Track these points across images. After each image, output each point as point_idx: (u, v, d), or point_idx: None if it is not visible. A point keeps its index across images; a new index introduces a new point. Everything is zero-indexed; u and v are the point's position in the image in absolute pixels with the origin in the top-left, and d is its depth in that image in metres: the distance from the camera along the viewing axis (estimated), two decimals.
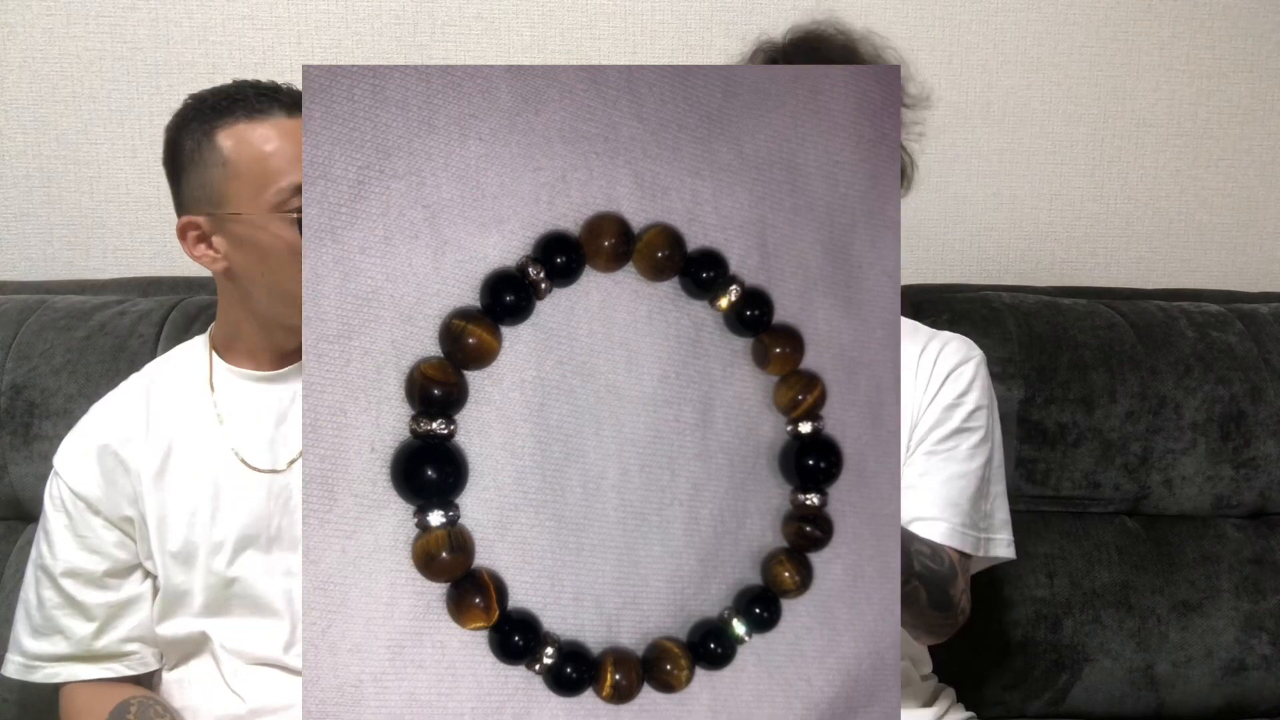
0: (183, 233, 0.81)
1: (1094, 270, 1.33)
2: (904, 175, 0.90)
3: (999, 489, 0.89)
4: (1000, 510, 0.88)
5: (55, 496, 0.84)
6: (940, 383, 0.87)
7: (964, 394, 0.87)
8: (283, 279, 0.79)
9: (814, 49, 0.86)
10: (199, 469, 0.82)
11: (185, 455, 0.83)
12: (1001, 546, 0.87)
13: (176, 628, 0.83)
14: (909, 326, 0.93)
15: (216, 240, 0.80)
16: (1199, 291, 1.23)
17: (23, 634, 0.84)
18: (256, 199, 0.77)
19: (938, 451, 0.85)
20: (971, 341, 0.92)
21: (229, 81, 0.82)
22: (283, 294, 0.80)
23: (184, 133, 0.80)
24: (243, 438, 0.83)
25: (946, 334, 0.92)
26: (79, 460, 0.83)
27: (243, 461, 0.83)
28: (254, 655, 0.82)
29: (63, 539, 0.83)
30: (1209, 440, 1.10)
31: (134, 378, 0.88)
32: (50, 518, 0.84)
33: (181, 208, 0.82)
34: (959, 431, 0.86)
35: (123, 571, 0.83)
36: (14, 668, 0.84)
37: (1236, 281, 1.29)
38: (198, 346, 0.88)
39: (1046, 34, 1.27)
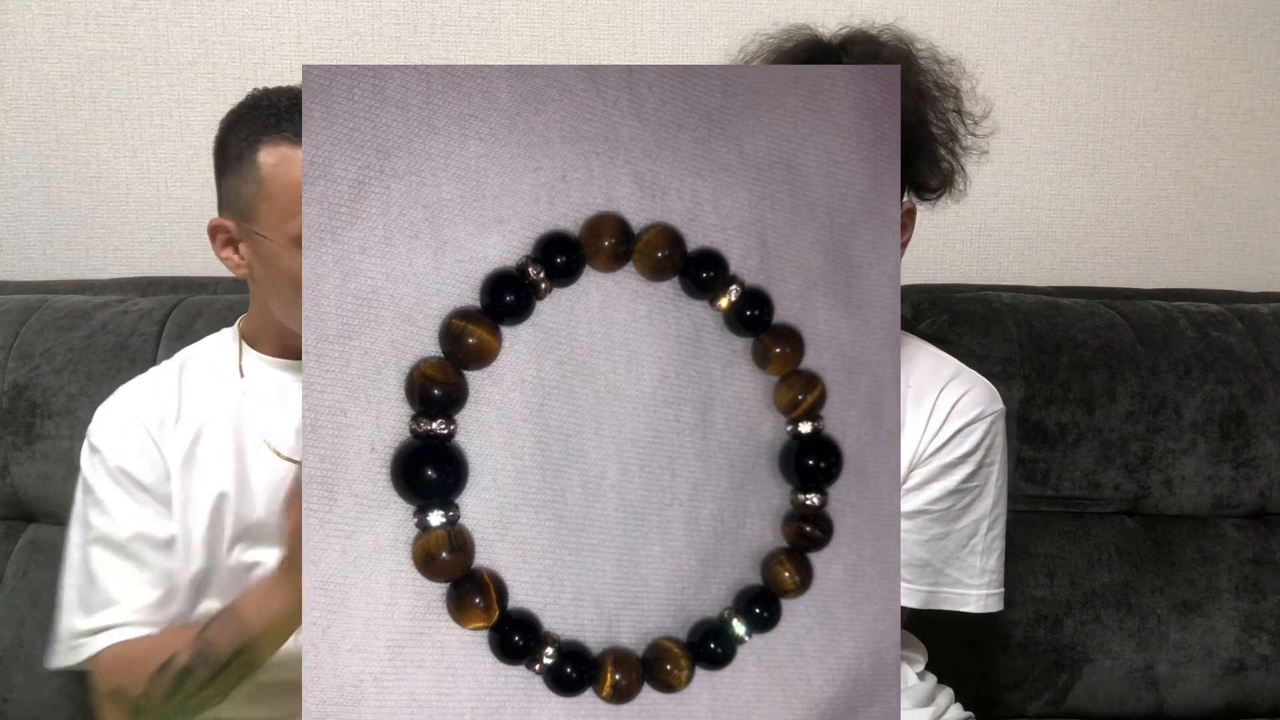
0: (213, 233, 0.82)
1: (1094, 270, 1.33)
2: (952, 185, 0.87)
3: (993, 535, 0.86)
4: (983, 561, 0.86)
5: (102, 470, 0.81)
6: (948, 437, 0.83)
7: (969, 454, 0.84)
8: (293, 306, 0.79)
9: (867, 55, 0.83)
10: (227, 454, 0.82)
11: (214, 440, 0.83)
12: (973, 601, 0.86)
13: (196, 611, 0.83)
14: (934, 358, 0.89)
15: (243, 248, 0.81)
16: (1199, 291, 1.23)
17: (73, 617, 0.80)
18: (282, 226, 0.77)
19: (928, 510, 0.84)
20: (994, 390, 0.87)
21: (274, 86, 0.81)
22: (293, 318, 0.81)
23: (233, 134, 0.80)
24: (271, 425, 0.84)
25: (970, 376, 0.87)
26: (121, 436, 0.81)
27: (271, 449, 0.83)
28: None
29: (122, 507, 0.80)
30: (1209, 440, 1.10)
31: (165, 364, 0.88)
32: (99, 490, 0.81)
33: (219, 204, 0.83)
34: (954, 492, 0.84)
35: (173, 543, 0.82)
36: (65, 652, 0.80)
37: (1236, 281, 1.29)
38: (227, 337, 0.89)
39: (1046, 34, 1.27)
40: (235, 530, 0.82)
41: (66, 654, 0.80)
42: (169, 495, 0.82)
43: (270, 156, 0.77)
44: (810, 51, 0.85)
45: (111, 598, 0.80)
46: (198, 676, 0.74)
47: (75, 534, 0.83)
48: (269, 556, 0.82)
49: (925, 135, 0.84)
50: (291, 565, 0.72)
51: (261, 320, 0.86)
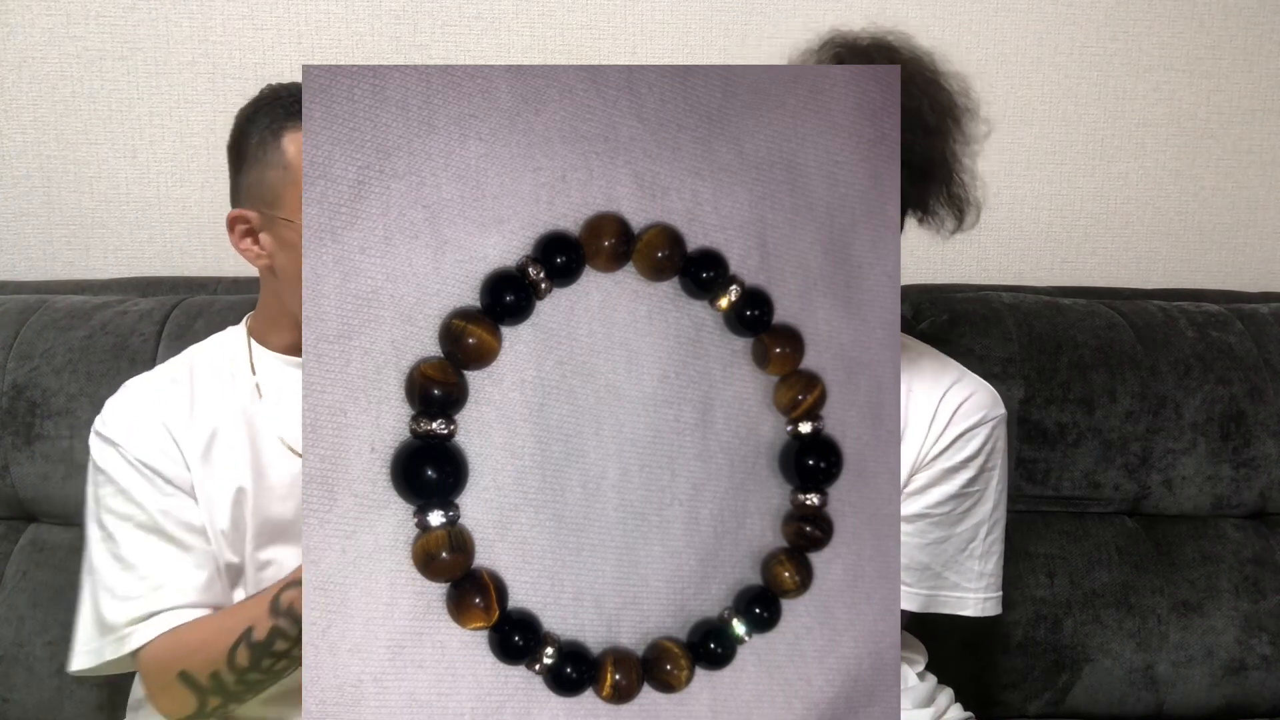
0: (232, 224, 0.82)
1: (1094, 270, 1.32)
2: (962, 214, 0.88)
3: (992, 540, 0.87)
4: (981, 565, 0.87)
5: (121, 460, 0.79)
6: (950, 441, 0.84)
7: (971, 458, 0.84)
8: None
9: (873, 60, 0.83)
10: (243, 451, 0.82)
11: (230, 436, 0.82)
12: (971, 605, 0.86)
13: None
14: (938, 362, 0.89)
15: (264, 238, 0.81)
16: (1199, 291, 1.23)
17: (112, 609, 0.77)
18: None
19: (929, 514, 0.84)
20: (996, 395, 0.87)
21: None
22: None
23: (253, 125, 0.80)
24: (285, 422, 0.84)
25: (972, 381, 0.87)
26: (138, 429, 0.80)
27: (286, 446, 0.83)
28: None
29: (148, 492, 0.78)
30: (1209, 440, 1.10)
31: (173, 361, 0.88)
32: (121, 479, 0.79)
33: (236, 198, 0.83)
34: (955, 496, 0.84)
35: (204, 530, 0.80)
36: (107, 647, 0.76)
37: (1236, 281, 1.29)
38: (236, 334, 0.88)
39: (1046, 34, 1.27)
40: (254, 526, 0.81)
41: (111, 647, 0.76)
42: (192, 487, 0.80)
43: (294, 143, 0.78)
44: (839, 55, 0.85)
45: (157, 581, 0.77)
46: (278, 647, 0.72)
47: (97, 529, 0.80)
48: (284, 554, 0.82)
49: (935, 154, 0.84)
50: None
51: (272, 316, 0.86)
